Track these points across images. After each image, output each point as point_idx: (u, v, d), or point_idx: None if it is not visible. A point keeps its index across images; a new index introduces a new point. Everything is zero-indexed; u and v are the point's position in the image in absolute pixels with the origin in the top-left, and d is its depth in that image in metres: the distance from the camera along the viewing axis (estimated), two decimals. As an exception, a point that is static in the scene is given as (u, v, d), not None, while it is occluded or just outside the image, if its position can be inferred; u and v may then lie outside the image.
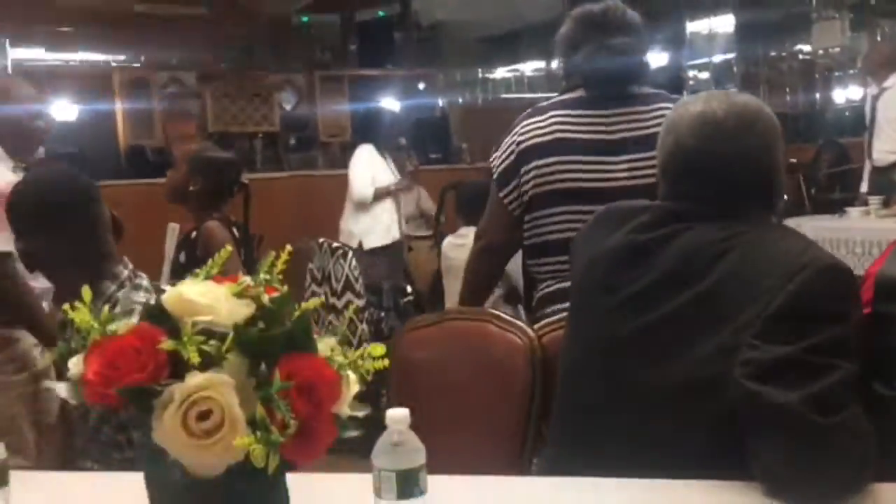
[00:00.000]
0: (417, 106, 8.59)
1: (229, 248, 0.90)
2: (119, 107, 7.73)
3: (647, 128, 1.80)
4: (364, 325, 3.86)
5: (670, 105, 1.80)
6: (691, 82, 9.28)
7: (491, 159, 1.98)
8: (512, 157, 1.89)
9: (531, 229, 1.89)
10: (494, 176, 1.95)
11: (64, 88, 7.62)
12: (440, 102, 9.23)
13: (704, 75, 9.43)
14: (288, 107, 8.65)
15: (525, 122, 1.91)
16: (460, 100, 9.84)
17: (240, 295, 0.83)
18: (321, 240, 4.05)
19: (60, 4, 8.51)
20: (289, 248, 0.87)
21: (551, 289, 1.91)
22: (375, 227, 4.91)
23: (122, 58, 9.58)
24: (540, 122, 1.88)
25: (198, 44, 9.28)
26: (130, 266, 1.69)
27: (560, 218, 1.85)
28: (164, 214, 5.23)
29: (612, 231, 1.42)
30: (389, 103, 8.59)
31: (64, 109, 7.61)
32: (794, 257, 1.22)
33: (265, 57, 9.50)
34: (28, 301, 2.30)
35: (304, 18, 9.76)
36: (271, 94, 8.34)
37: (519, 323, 1.77)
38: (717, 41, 9.24)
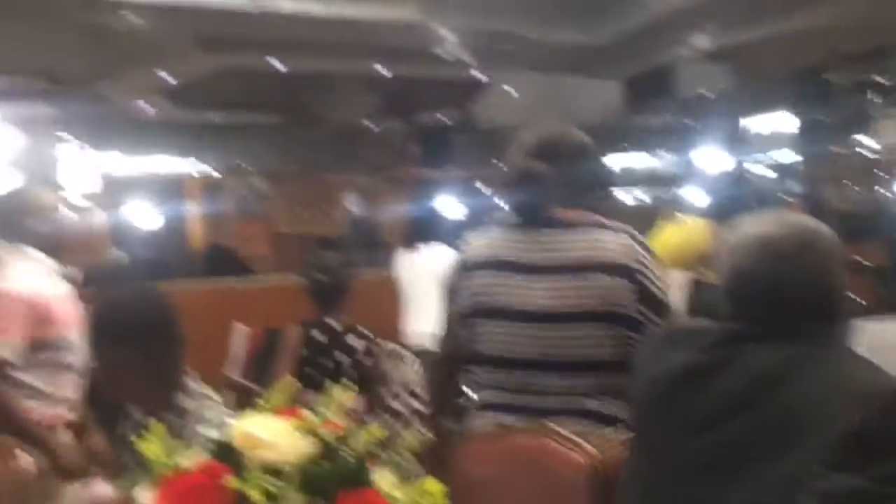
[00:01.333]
0: (479, 207, 8.73)
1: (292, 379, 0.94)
2: (194, 211, 8.05)
3: (567, 252, 1.83)
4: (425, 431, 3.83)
5: (598, 234, 1.82)
6: (754, 180, 9.24)
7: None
8: (455, 273, 1.98)
9: (467, 342, 1.95)
10: (443, 289, 2.04)
11: (143, 195, 8.00)
12: (500, 202, 9.35)
13: (767, 172, 9.40)
14: (353, 208, 8.88)
15: (469, 239, 2.01)
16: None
17: (302, 430, 0.86)
18: (384, 342, 4.08)
19: (140, 115, 9.01)
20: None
21: (479, 398, 1.97)
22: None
23: (199, 165, 10.04)
24: (481, 238, 1.97)
25: (269, 150, 9.69)
26: (194, 385, 1.74)
27: (483, 332, 1.90)
28: (232, 314, 5.41)
29: (674, 351, 1.43)
30: (451, 205, 8.76)
31: (143, 214, 7.98)
32: (862, 383, 1.22)
33: (333, 161, 9.84)
34: (11, 405, 2.36)
35: (370, 124, 10.11)
36: (338, 196, 8.59)
37: (581, 441, 1.75)
38: (778, 138, 9.23)
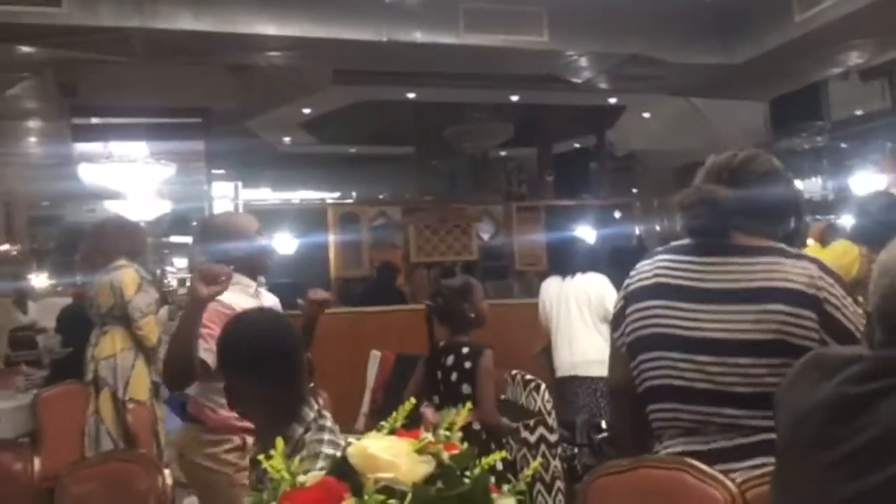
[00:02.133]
0: (614, 234, 8.57)
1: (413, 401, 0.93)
2: (331, 240, 8.31)
3: (745, 281, 1.72)
4: (556, 462, 3.75)
5: (777, 259, 1.72)
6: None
7: None
8: (623, 301, 1.90)
9: (638, 374, 1.84)
10: (611, 319, 1.98)
11: (285, 224, 8.34)
12: (637, 230, 9.16)
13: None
14: (486, 237, 8.91)
15: (637, 266, 1.91)
16: (657, 227, 9.71)
17: (421, 451, 0.84)
18: (514, 371, 4.04)
19: (283, 151, 9.44)
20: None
21: (664, 438, 1.82)
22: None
23: (336, 195, 10.40)
24: (648, 265, 1.88)
25: (404, 179, 9.92)
26: (317, 406, 1.75)
27: (653, 364, 1.79)
28: (368, 342, 5.53)
29: (819, 382, 1.31)
30: (585, 232, 8.63)
31: (284, 243, 8.31)
32: None
33: (466, 190, 9.95)
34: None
35: (503, 153, 10.16)
36: (470, 224, 8.64)
37: (720, 475, 1.65)
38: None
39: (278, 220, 8.41)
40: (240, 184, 9.79)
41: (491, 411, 3.16)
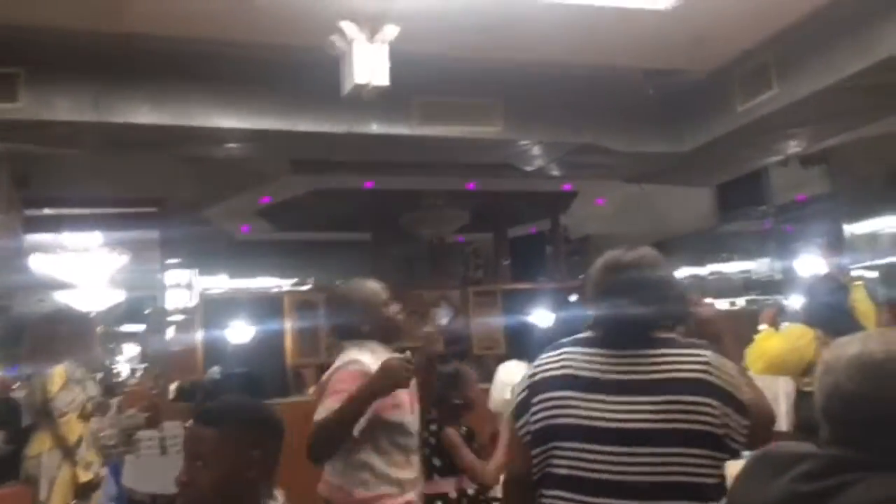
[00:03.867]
0: (570, 317, 8.62)
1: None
2: (288, 327, 8.22)
3: (651, 373, 1.81)
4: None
5: (680, 351, 1.83)
6: (858, 283, 8.88)
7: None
8: (526, 390, 1.95)
9: (539, 461, 1.89)
10: (511, 408, 2.01)
11: (241, 312, 8.25)
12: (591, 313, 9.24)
13: (871, 274, 9.03)
14: (444, 321, 8.90)
15: (541, 358, 1.97)
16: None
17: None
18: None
19: (240, 239, 9.41)
20: None
21: None
22: None
23: (292, 282, 10.34)
24: (553, 357, 1.94)
25: (361, 265, 9.92)
26: (280, 500, 1.73)
27: (559, 453, 1.85)
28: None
29: (771, 479, 1.33)
30: (543, 315, 8.69)
31: (240, 332, 8.20)
32: None
33: (423, 275, 9.99)
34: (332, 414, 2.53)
35: (460, 238, 10.26)
36: (428, 310, 8.63)
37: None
38: (881, 242, 8.89)
39: (234, 308, 8.32)
40: (195, 272, 9.71)
41: (481, 474, 3.27)
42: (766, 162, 6.76)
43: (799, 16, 4.52)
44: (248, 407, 1.82)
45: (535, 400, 1.90)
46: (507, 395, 4.93)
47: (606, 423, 1.80)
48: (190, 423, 1.89)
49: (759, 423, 1.80)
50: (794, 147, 6.12)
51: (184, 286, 9.52)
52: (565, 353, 1.93)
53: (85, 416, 4.13)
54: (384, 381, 2.49)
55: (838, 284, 4.77)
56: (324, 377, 2.74)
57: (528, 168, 6.31)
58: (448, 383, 3.50)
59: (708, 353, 1.84)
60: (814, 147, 6.47)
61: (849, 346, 1.33)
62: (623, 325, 1.87)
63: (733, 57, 5.08)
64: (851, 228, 8.70)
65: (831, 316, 4.27)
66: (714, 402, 1.75)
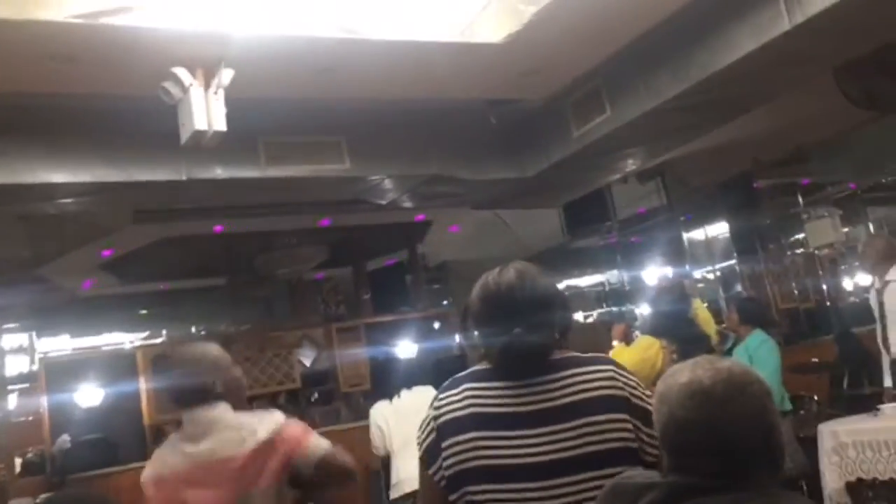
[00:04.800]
0: (435, 346, 8.69)
1: None
2: (143, 385, 7.83)
3: (560, 398, 1.75)
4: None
5: (584, 369, 1.77)
6: (700, 285, 9.45)
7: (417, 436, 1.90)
8: (433, 433, 1.82)
9: None
10: (420, 454, 1.87)
11: (89, 374, 7.78)
12: (456, 339, 9.34)
13: (710, 276, 9.64)
14: (307, 362, 8.75)
15: (442, 397, 1.85)
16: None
17: None
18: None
19: (84, 295, 8.90)
20: None
21: None
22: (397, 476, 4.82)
23: (144, 334, 9.88)
24: (455, 395, 1.83)
25: (218, 311, 9.61)
26: None
27: (481, 497, 1.74)
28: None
29: None
30: (407, 346, 8.69)
31: (89, 395, 7.73)
32: None
33: (283, 315, 9.79)
34: None
35: (318, 275, 10.13)
36: (291, 351, 8.46)
37: None
38: (717, 246, 9.52)
39: (80, 369, 7.83)
40: (34, 334, 9.09)
41: None
42: (606, 181, 7.10)
43: (624, 42, 4.78)
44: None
45: (445, 444, 1.78)
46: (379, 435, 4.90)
47: (521, 459, 1.72)
48: (40, 498, 1.75)
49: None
50: (630, 165, 6.47)
51: (23, 350, 8.90)
52: (466, 389, 1.81)
53: None
54: None
55: (680, 294, 5.06)
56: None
57: (381, 202, 6.34)
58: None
59: (610, 365, 1.80)
60: (649, 163, 6.84)
61: (679, 375, 1.38)
62: (521, 353, 1.77)
63: (567, 84, 5.30)
64: (689, 236, 9.26)
65: (674, 325, 4.51)
66: (625, 417, 1.71)
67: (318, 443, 2.36)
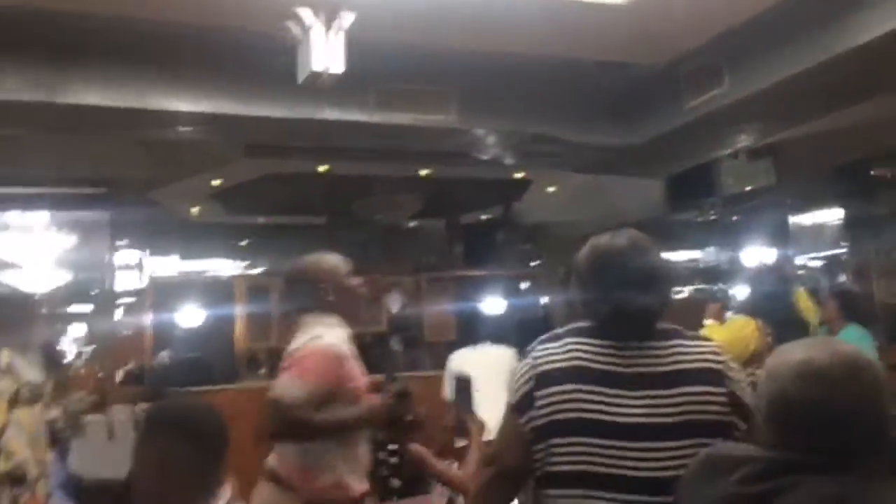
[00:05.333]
0: (521, 305, 8.73)
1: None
2: (239, 312, 8.16)
3: (662, 365, 1.78)
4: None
5: (686, 342, 1.81)
6: (801, 272, 9.15)
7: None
8: (530, 382, 1.83)
9: (543, 458, 1.79)
10: (511, 401, 1.87)
11: (192, 296, 8.16)
12: (542, 301, 9.35)
13: (815, 264, 9.31)
14: (395, 308, 8.93)
15: (541, 348, 1.87)
16: (565, 299, 9.93)
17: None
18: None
19: (193, 221, 9.29)
20: None
21: None
22: None
23: (244, 265, 10.25)
24: (556, 347, 1.85)
25: (314, 250, 9.85)
26: (228, 494, 1.74)
27: (572, 449, 1.76)
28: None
29: (717, 479, 1.37)
30: (494, 303, 8.76)
31: (191, 315, 8.12)
32: None
33: (376, 261, 9.98)
34: (328, 423, 2.53)
35: (413, 224, 10.26)
36: (381, 295, 8.65)
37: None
38: (824, 233, 9.16)
39: (184, 291, 8.24)
40: (145, 253, 9.56)
41: (461, 480, 3.21)
42: (716, 155, 6.91)
43: (749, 15, 4.62)
44: (195, 415, 1.82)
45: (542, 393, 1.80)
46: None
47: (617, 418, 1.74)
48: (138, 407, 1.91)
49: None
50: (743, 141, 6.27)
51: (133, 268, 9.38)
52: (570, 343, 1.84)
53: (25, 402, 4.04)
54: (377, 419, 2.60)
55: (782, 276, 4.93)
56: (292, 346, 2.65)
57: (483, 156, 6.36)
58: (397, 402, 3.49)
59: (711, 343, 1.84)
60: (762, 141, 6.63)
61: (794, 352, 1.37)
62: (632, 315, 1.81)
63: (683, 53, 5.17)
64: (795, 220, 8.95)
65: (774, 307, 4.41)
66: (723, 391, 1.75)
67: (283, 383, 2.47)
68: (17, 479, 3.92)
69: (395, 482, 3.36)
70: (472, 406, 3.55)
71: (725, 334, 4.30)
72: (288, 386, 2.45)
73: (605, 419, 1.75)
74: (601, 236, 1.92)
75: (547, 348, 1.87)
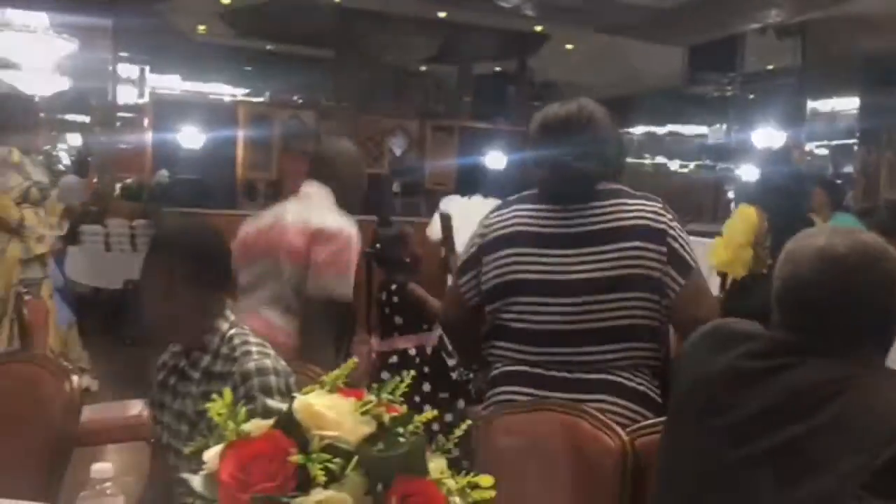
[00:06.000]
0: (522, 162, 8.66)
1: (354, 360, 0.97)
2: (240, 138, 8.08)
3: (601, 223, 1.83)
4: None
5: (627, 201, 1.84)
6: (808, 158, 9.08)
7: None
8: (474, 248, 1.95)
9: (491, 316, 1.92)
10: (458, 262, 2.01)
11: (193, 117, 8.04)
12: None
13: (822, 152, 9.21)
14: (398, 151, 8.86)
15: (493, 215, 1.95)
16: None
17: (364, 412, 0.89)
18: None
19: (199, 39, 9.01)
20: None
21: (500, 370, 1.93)
22: None
23: (247, 91, 10.05)
24: (504, 214, 1.93)
25: (320, 83, 9.67)
26: (233, 317, 1.77)
27: (517, 308, 1.86)
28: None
29: (719, 352, 1.41)
30: (497, 157, 8.71)
31: (191, 137, 8.04)
32: None
33: (382, 101, 9.81)
34: None
35: (424, 68, 10.02)
36: (383, 138, 8.57)
37: (613, 424, 1.76)
38: (840, 121, 9.01)
39: (185, 111, 8.11)
40: (147, 68, 9.35)
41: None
42: (744, 28, 6.69)
43: None
44: (201, 235, 1.81)
45: (487, 259, 1.90)
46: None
47: (555, 276, 1.83)
48: (136, 223, 1.90)
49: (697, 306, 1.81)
50: (774, 16, 6.06)
51: (134, 82, 9.19)
52: (514, 210, 1.92)
53: (33, 201, 4.04)
54: None
55: (796, 174, 4.84)
56: (315, 219, 2.48)
57: (503, 3, 6.13)
58: (394, 244, 3.59)
59: (658, 203, 1.87)
60: (794, 18, 6.40)
61: (814, 238, 1.37)
62: (567, 178, 1.86)
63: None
64: (813, 105, 8.77)
65: (769, 190, 4.35)
66: (653, 247, 1.79)
67: (331, 280, 2.45)
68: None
69: (398, 319, 3.49)
70: (454, 246, 3.68)
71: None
72: (341, 283, 2.45)
73: (541, 278, 1.84)
74: (555, 104, 1.95)
75: (496, 215, 1.95)
